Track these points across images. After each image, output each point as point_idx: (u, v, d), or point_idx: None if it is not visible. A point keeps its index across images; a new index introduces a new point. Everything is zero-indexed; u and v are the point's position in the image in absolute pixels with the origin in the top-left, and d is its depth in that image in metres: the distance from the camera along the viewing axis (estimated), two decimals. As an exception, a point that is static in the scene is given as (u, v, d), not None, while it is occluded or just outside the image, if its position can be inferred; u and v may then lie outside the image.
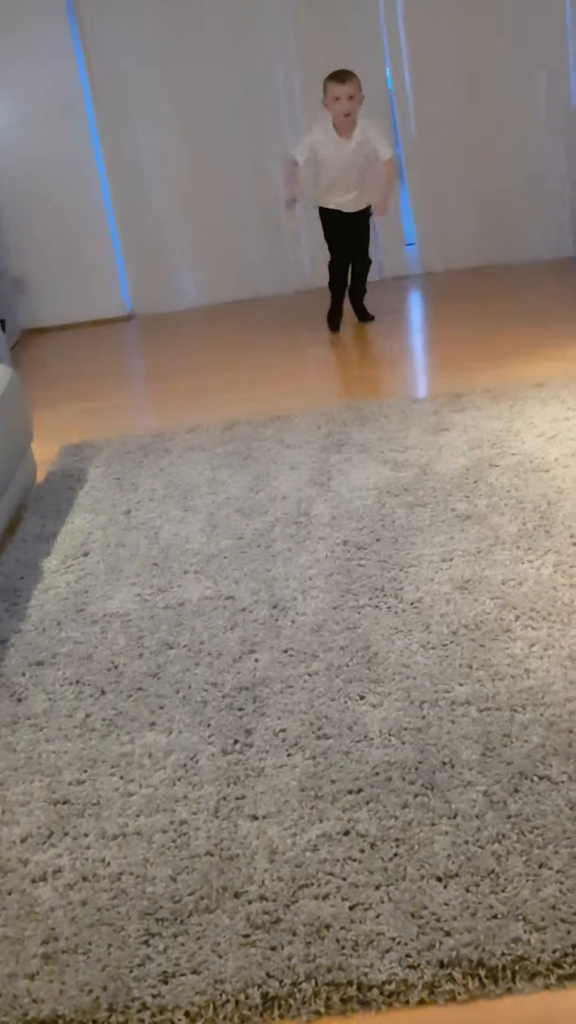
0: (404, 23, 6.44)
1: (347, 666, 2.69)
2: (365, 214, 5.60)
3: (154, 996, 1.82)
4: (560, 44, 6.43)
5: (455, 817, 2.12)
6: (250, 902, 1.98)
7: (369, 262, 5.78)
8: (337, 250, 5.66)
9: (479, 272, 6.61)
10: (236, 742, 2.45)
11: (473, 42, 6.42)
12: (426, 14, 6.38)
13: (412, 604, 2.93)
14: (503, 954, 1.81)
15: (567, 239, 6.74)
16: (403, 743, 2.36)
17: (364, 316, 5.83)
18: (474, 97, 6.51)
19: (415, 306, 6.33)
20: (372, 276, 6.66)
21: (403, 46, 6.51)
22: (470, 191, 6.62)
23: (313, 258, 6.73)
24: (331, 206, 5.54)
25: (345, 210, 5.51)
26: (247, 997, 1.80)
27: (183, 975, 1.85)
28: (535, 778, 2.20)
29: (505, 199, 6.64)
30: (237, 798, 2.26)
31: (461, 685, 2.54)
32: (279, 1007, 1.78)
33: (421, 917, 1.90)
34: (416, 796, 2.20)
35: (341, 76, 5.24)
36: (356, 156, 5.38)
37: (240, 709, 2.57)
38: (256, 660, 2.77)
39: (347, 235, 5.61)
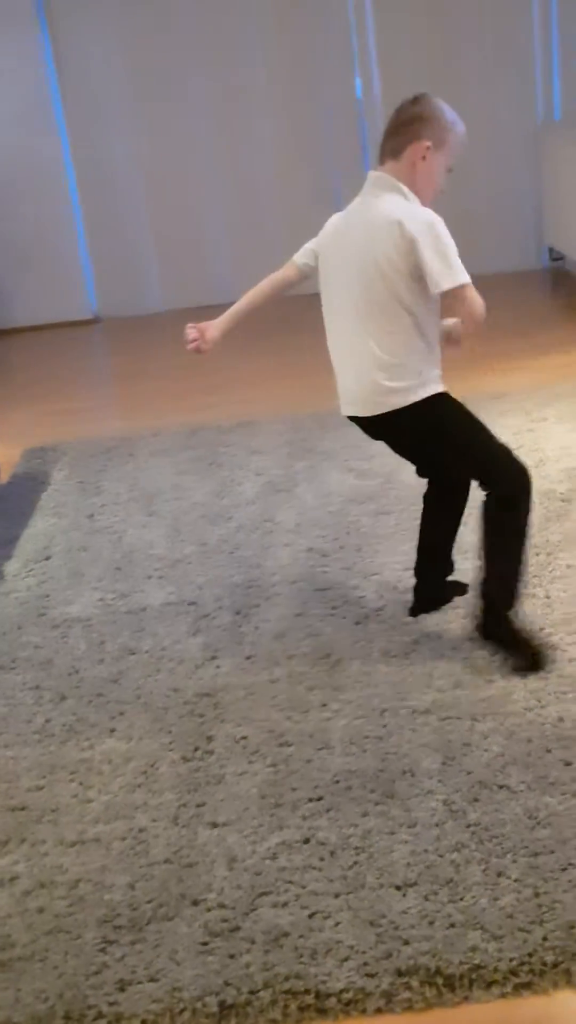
0: (375, 35, 6.48)
1: (309, 673, 2.69)
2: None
3: (111, 1004, 1.81)
4: (527, 62, 6.50)
5: (415, 826, 2.13)
6: (208, 910, 1.97)
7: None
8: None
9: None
10: (197, 749, 2.44)
11: (443, 57, 6.47)
12: (397, 28, 6.43)
13: (375, 612, 2.94)
14: (460, 963, 1.81)
15: (532, 251, 6.80)
16: (364, 751, 2.36)
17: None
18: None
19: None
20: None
21: (373, 57, 6.54)
22: (437, 202, 6.65)
23: (276, 266, 6.74)
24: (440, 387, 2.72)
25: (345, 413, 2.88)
26: (204, 1005, 1.79)
27: (140, 983, 1.84)
28: (494, 787, 2.20)
29: (472, 211, 6.68)
30: (197, 805, 2.25)
31: (422, 694, 2.55)
32: (236, 1015, 1.77)
33: (379, 925, 1.90)
34: (376, 804, 2.20)
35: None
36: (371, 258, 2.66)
37: (201, 716, 2.56)
38: (218, 667, 2.77)
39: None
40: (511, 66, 6.48)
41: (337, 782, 2.27)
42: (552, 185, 6.24)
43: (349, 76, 6.54)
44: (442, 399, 2.66)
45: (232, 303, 2.94)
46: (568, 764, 2.24)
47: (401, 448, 2.82)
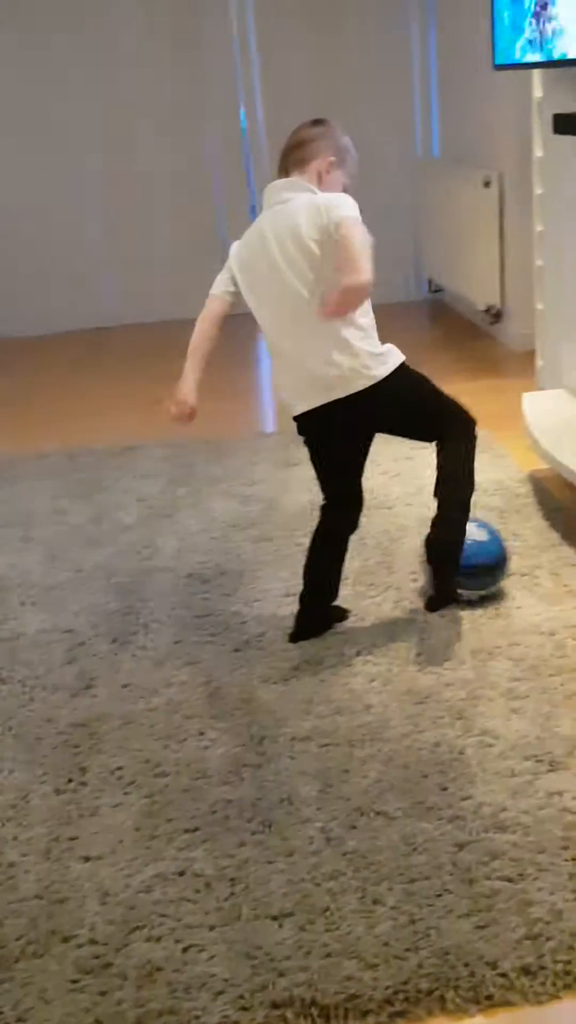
0: (259, 69, 6.54)
1: (187, 702, 2.65)
2: None
3: (-25, 1047, 1.74)
4: (407, 99, 6.64)
5: (292, 855, 2.11)
6: (80, 946, 1.92)
7: None
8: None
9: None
10: (70, 781, 2.38)
11: (327, 93, 6.56)
12: (281, 62, 6.51)
13: (255, 638, 2.92)
14: (336, 992, 1.79)
15: (412, 283, 6.92)
16: (242, 780, 2.34)
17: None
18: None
19: (263, 342, 6.36)
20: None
21: (257, 88, 6.60)
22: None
23: (158, 289, 6.73)
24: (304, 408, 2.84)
25: (331, 399, 2.80)
26: (74, 1045, 1.74)
27: (7, 1023, 1.77)
28: (372, 813, 2.20)
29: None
30: (69, 839, 2.19)
31: (301, 720, 2.53)
32: (107, 1054, 1.73)
33: (255, 957, 1.87)
34: (253, 834, 2.17)
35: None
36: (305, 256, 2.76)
37: (76, 746, 2.51)
38: (94, 696, 2.71)
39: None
40: (394, 103, 6.62)
41: (214, 812, 2.24)
42: (428, 220, 6.37)
43: (234, 109, 6.58)
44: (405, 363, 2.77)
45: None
46: (444, 789, 2.25)
47: (383, 420, 2.79)
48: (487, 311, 5.68)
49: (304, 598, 2.92)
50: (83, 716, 2.62)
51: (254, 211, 6.75)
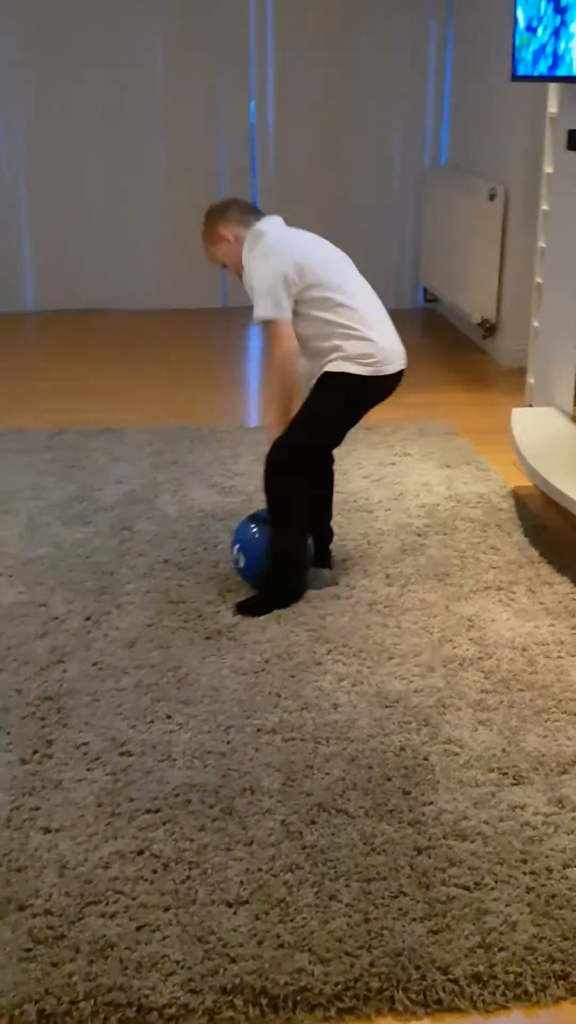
0: (274, 64, 6.53)
1: (157, 685, 2.66)
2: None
3: None
4: (419, 107, 6.65)
5: (251, 844, 2.11)
6: (35, 916, 1.92)
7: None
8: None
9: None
10: (35, 752, 2.38)
11: (339, 94, 6.56)
12: (296, 59, 6.50)
13: (227, 628, 2.92)
14: (286, 984, 1.80)
15: (408, 291, 6.94)
16: (206, 766, 2.35)
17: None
18: (334, 147, 6.66)
19: (254, 339, 6.36)
20: (213, 304, 6.70)
21: (269, 86, 6.60)
22: (320, 234, 6.70)
23: (157, 276, 6.72)
24: (393, 369, 3.10)
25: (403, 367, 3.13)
26: (22, 1013, 1.73)
27: (-43, 988, 1.77)
28: (333, 811, 2.21)
29: (353, 247, 6.76)
30: (31, 809, 2.19)
31: (269, 713, 2.54)
32: (54, 1025, 1.73)
33: (208, 942, 1.88)
34: (214, 820, 2.18)
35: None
36: None
37: (43, 719, 2.50)
38: (64, 671, 2.71)
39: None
40: (405, 108, 6.63)
41: (176, 795, 2.25)
42: (430, 229, 6.39)
43: (244, 100, 6.57)
44: None
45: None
46: (407, 793, 2.26)
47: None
48: (481, 324, 5.70)
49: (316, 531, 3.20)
50: (52, 690, 2.62)
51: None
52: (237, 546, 3.12)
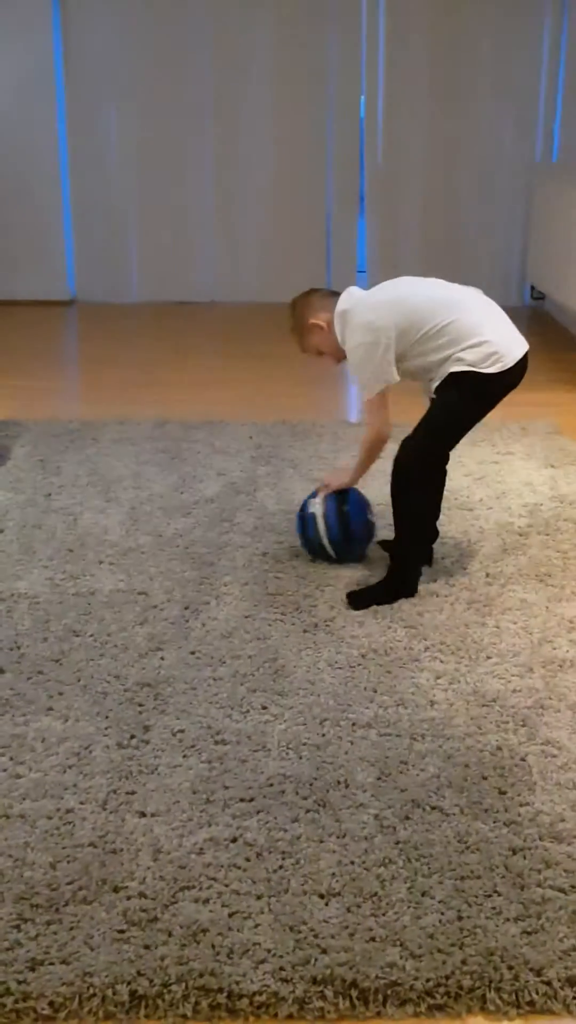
0: (384, 58, 6.51)
1: (253, 675, 2.67)
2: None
3: (19, 982, 1.77)
4: (532, 102, 6.57)
5: (344, 837, 2.11)
6: (129, 898, 1.94)
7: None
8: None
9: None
10: (133, 737, 2.41)
11: (449, 87, 6.52)
12: (406, 54, 6.47)
13: (324, 622, 2.93)
14: (377, 977, 1.80)
15: (514, 288, 6.86)
16: (300, 758, 2.35)
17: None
18: (442, 138, 6.61)
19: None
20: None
21: (380, 79, 6.58)
22: (426, 227, 6.69)
23: (261, 269, 6.75)
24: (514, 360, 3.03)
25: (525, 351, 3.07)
26: (115, 993, 1.76)
27: (52, 964, 1.80)
28: (427, 807, 2.20)
29: (459, 242, 6.73)
30: (127, 793, 2.22)
31: (364, 708, 2.54)
32: (146, 1006, 1.74)
33: (299, 932, 1.88)
34: (307, 812, 2.18)
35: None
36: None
37: (140, 705, 2.53)
38: (162, 658, 2.74)
39: None
40: (515, 102, 6.55)
41: (271, 785, 2.26)
42: (540, 225, 6.30)
43: (355, 94, 6.56)
44: None
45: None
46: (503, 793, 2.24)
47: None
48: (588, 325, 5.62)
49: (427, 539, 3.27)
50: (150, 677, 2.65)
51: (363, 198, 6.73)
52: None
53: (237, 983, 1.78)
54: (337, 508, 3.22)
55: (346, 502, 3.23)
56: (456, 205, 6.65)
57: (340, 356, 3.10)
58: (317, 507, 3.23)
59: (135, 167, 6.66)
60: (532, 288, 6.72)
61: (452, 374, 2.92)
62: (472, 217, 6.69)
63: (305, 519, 3.27)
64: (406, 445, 3.00)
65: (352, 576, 3.18)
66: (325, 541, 3.22)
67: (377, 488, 3.77)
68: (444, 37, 6.42)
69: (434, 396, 3.00)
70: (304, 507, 3.28)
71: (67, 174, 6.65)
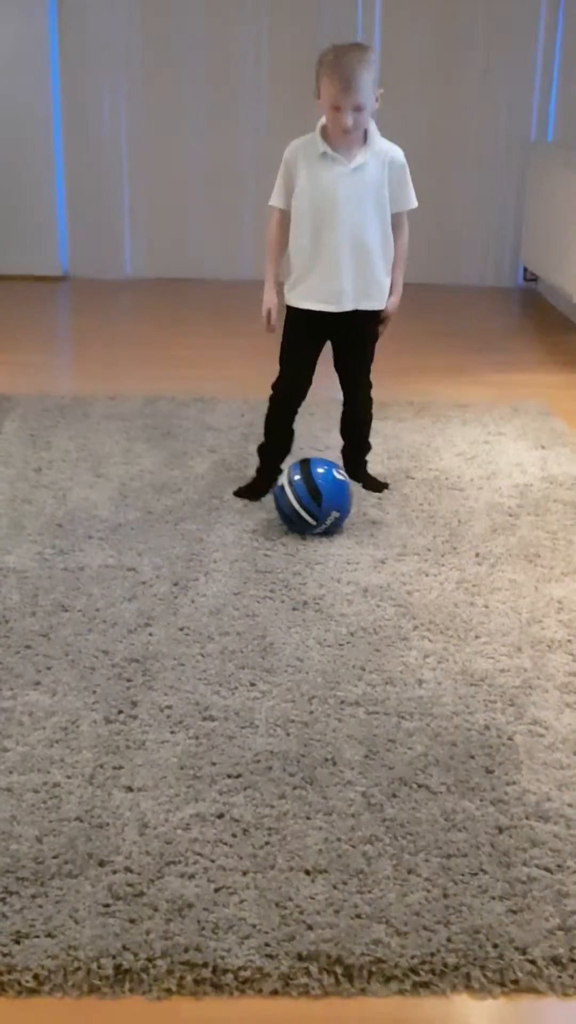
0: (380, 39, 6.47)
1: (241, 652, 2.66)
2: (369, 320, 3.40)
3: (3, 955, 1.77)
4: (527, 80, 6.52)
5: (331, 814, 2.11)
6: (114, 872, 1.94)
7: (369, 404, 3.65)
8: (290, 381, 3.52)
9: (420, 289, 6.62)
10: (120, 712, 2.40)
11: (443, 64, 6.47)
12: (401, 29, 6.42)
13: (314, 600, 2.92)
14: (362, 954, 1.80)
15: (507, 269, 6.84)
16: (288, 735, 2.35)
17: (376, 484, 3.65)
18: (437, 120, 6.57)
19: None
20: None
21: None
22: (421, 209, 6.64)
23: (255, 246, 6.70)
24: (304, 304, 3.35)
25: (331, 309, 3.33)
26: (99, 967, 1.76)
27: (37, 936, 1.80)
28: (414, 785, 2.20)
29: (455, 222, 6.70)
30: (114, 767, 2.22)
31: (352, 686, 2.53)
32: (131, 980, 1.74)
33: (285, 908, 1.88)
34: (295, 788, 2.18)
35: (345, 74, 3.05)
36: (360, 189, 3.24)
37: (128, 680, 2.53)
38: (151, 634, 2.73)
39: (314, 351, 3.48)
40: (510, 81, 6.50)
41: (258, 761, 2.25)
42: (534, 206, 6.27)
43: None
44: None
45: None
46: (490, 772, 2.24)
47: (352, 345, 3.46)
48: (581, 306, 5.61)
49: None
50: (138, 652, 2.64)
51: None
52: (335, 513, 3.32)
53: (222, 958, 1.79)
54: (301, 472, 3.28)
55: (308, 465, 3.31)
56: (449, 186, 6.61)
57: (327, 118, 3.20)
58: (283, 479, 3.33)
59: (128, 144, 6.60)
60: (525, 270, 6.70)
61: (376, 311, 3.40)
62: (465, 198, 6.66)
63: (275, 495, 3.35)
64: (366, 385, 3.57)
65: (342, 555, 3.17)
66: (297, 507, 3.25)
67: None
68: (437, 16, 6.37)
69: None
70: (273, 486, 3.39)
71: (60, 150, 6.59)
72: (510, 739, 2.35)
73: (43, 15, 6.31)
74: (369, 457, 3.73)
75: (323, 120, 3.20)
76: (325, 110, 3.14)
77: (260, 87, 6.51)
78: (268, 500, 3.51)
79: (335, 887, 1.93)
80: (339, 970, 1.78)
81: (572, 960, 1.80)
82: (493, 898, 1.91)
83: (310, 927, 1.85)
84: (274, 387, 3.54)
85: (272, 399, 3.56)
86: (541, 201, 6.14)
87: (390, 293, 3.38)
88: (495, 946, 1.82)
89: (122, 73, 6.46)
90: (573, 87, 6.19)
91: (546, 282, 6.27)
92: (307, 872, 1.97)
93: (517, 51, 6.45)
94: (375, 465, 3.78)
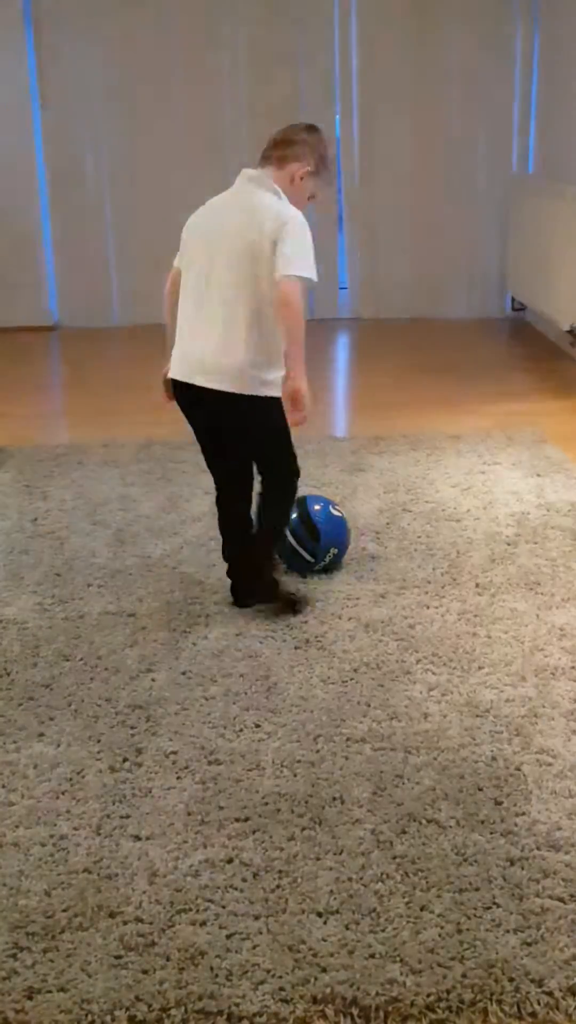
0: (357, 75, 6.54)
1: (245, 693, 2.66)
2: (248, 405, 2.91)
3: (17, 1011, 1.75)
4: (506, 113, 6.59)
5: (341, 853, 2.10)
6: (125, 923, 1.93)
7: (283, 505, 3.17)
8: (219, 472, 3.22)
9: (408, 324, 6.69)
10: (125, 760, 2.39)
11: (423, 101, 6.55)
12: (379, 69, 6.50)
13: (316, 638, 2.92)
14: (377, 994, 1.78)
15: (495, 299, 6.88)
16: (295, 775, 2.34)
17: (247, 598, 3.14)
18: (418, 154, 6.63)
19: (342, 349, 6.38)
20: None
21: (354, 96, 6.60)
22: (406, 244, 6.71)
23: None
24: (175, 375, 3.14)
25: (194, 381, 2.99)
26: (113, 1019, 1.74)
27: (49, 992, 1.78)
28: (424, 821, 2.18)
29: (439, 256, 6.75)
30: (121, 816, 2.21)
31: (358, 722, 2.52)
32: (146, 1032, 1.73)
33: (298, 951, 1.87)
34: (303, 829, 2.17)
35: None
36: (245, 239, 2.85)
37: (132, 727, 2.52)
38: (153, 679, 2.73)
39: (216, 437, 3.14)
40: (490, 113, 6.58)
41: (266, 804, 2.24)
42: (519, 236, 6.32)
43: (329, 111, 6.59)
44: (280, 403, 2.92)
45: None
46: (499, 803, 2.23)
47: (225, 429, 3.02)
48: (571, 331, 5.62)
49: (230, 557, 3.18)
50: (142, 699, 2.64)
51: (341, 217, 6.75)
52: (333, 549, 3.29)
53: (237, 1005, 1.77)
54: (298, 511, 3.27)
55: (304, 504, 3.30)
56: (434, 218, 6.67)
57: (300, 201, 2.91)
58: None
59: (114, 190, 6.67)
60: (512, 299, 6.74)
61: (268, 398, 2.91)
62: (451, 230, 6.71)
63: None
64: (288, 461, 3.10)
65: (342, 591, 3.17)
66: (296, 545, 3.25)
67: (363, 502, 3.78)
68: (416, 52, 6.44)
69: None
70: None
71: (46, 202, 6.66)
72: (518, 769, 2.34)
73: (24, 69, 6.39)
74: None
75: (281, 186, 2.90)
76: (300, 190, 2.93)
77: (243, 139, 6.58)
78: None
79: (348, 927, 1.92)
80: (355, 1011, 1.76)
81: (590, 991, 1.78)
82: (507, 931, 1.90)
83: (324, 969, 1.83)
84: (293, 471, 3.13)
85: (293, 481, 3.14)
86: (525, 231, 6.19)
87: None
88: (511, 979, 1.80)
89: (104, 124, 6.54)
90: (551, 118, 6.25)
91: (534, 311, 6.30)
92: (319, 914, 1.95)
93: (496, 84, 6.53)
94: (370, 500, 3.78)
